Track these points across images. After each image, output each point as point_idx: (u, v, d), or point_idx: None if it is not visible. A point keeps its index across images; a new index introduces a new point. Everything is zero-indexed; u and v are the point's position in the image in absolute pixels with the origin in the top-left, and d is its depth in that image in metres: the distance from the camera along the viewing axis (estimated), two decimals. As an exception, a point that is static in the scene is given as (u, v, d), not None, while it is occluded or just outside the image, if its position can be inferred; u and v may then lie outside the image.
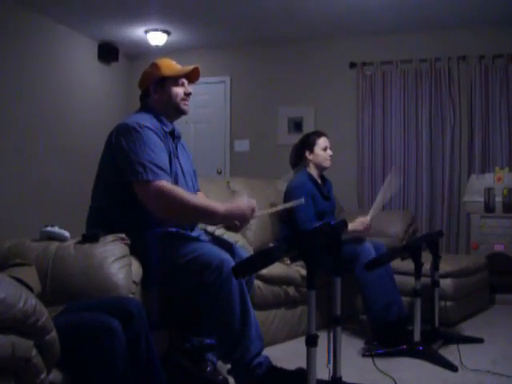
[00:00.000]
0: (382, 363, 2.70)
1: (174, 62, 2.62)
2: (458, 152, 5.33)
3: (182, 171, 2.53)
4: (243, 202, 2.41)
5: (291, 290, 3.25)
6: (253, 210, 2.41)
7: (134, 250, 2.30)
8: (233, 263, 2.19)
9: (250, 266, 1.82)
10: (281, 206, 3.05)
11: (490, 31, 5.18)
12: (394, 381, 2.48)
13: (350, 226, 3.18)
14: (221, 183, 3.98)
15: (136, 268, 2.25)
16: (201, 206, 2.34)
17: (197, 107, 5.95)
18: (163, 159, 2.36)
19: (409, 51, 5.48)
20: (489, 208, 4.55)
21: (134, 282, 2.19)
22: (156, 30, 5.54)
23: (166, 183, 2.29)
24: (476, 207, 4.62)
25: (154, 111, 2.53)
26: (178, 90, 2.55)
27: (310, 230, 1.94)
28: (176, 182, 2.43)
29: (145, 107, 2.58)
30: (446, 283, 3.48)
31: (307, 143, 3.62)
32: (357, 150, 5.65)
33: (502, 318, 3.82)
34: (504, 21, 5.01)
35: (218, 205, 2.37)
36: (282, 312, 3.23)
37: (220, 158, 6.25)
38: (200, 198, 2.48)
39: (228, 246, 2.49)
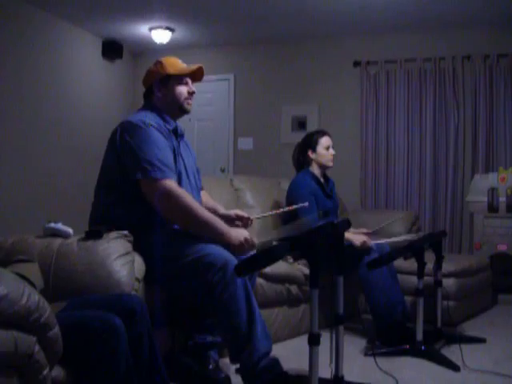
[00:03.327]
0: (384, 362, 2.69)
1: (178, 61, 2.61)
2: (461, 151, 5.32)
3: (186, 169, 2.53)
4: (241, 232, 2.41)
5: (294, 289, 3.25)
6: (247, 242, 2.39)
7: (138, 248, 2.30)
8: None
9: (253, 264, 1.82)
10: (284, 209, 3.04)
11: (495, 31, 5.16)
12: (396, 380, 2.48)
13: (350, 235, 3.15)
14: (224, 181, 3.98)
15: (139, 265, 2.25)
16: (210, 223, 2.34)
17: (200, 105, 5.95)
18: (168, 156, 2.37)
19: (413, 50, 5.47)
20: (492, 208, 4.54)
21: (137, 279, 2.19)
22: (160, 27, 5.54)
23: (173, 183, 2.31)
24: (479, 207, 4.61)
25: (157, 109, 2.53)
26: (182, 89, 2.54)
27: (312, 229, 1.94)
28: (179, 180, 2.43)
29: (148, 105, 2.58)
30: (448, 283, 3.48)
31: (309, 142, 3.61)
32: (360, 149, 5.65)
33: (504, 318, 3.82)
34: (509, 20, 5.00)
35: (226, 226, 2.37)
36: (284, 310, 3.23)
37: (223, 156, 6.25)
38: (209, 213, 2.40)
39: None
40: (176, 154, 2.46)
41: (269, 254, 1.80)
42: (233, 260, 2.23)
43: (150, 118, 2.42)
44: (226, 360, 2.44)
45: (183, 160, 2.54)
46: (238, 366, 2.29)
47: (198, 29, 5.67)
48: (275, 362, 2.23)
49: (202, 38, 5.96)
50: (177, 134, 2.56)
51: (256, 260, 1.80)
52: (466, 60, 5.30)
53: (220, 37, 5.94)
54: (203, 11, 5.15)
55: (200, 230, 2.37)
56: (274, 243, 2.63)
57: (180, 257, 2.27)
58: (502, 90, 5.14)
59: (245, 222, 2.68)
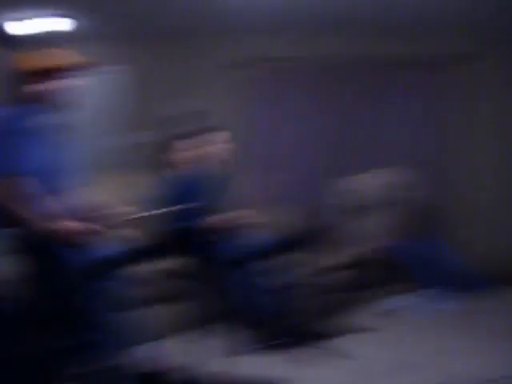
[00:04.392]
0: (257, 359, 2.75)
1: (59, 52, 2.55)
2: (331, 155, 5.46)
3: (53, 163, 2.45)
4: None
5: (172, 285, 3.21)
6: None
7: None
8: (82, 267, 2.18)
9: (107, 267, 1.80)
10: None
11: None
12: (274, 378, 2.50)
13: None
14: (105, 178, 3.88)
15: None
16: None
17: (85, 97, 5.74)
18: (21, 155, 2.28)
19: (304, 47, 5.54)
20: (357, 210, 4.71)
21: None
22: (55, 15, 5.24)
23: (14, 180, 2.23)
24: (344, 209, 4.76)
25: (31, 102, 2.44)
26: (59, 82, 2.49)
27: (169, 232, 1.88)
28: (44, 176, 2.35)
29: (21, 98, 2.47)
30: (323, 278, 3.59)
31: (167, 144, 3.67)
32: (243, 150, 5.63)
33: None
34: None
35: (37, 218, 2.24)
36: (163, 308, 3.19)
37: (107, 152, 6.08)
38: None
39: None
40: (44, 148, 2.39)
41: (129, 256, 1.77)
42: (80, 263, 2.20)
43: (16, 112, 2.35)
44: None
45: (53, 155, 2.46)
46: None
47: (89, 20, 5.40)
48: (135, 364, 2.24)
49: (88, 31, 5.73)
50: (54, 128, 2.50)
51: (114, 262, 1.77)
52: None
53: (104, 30, 5.71)
54: (94, 3, 4.97)
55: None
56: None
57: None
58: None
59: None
